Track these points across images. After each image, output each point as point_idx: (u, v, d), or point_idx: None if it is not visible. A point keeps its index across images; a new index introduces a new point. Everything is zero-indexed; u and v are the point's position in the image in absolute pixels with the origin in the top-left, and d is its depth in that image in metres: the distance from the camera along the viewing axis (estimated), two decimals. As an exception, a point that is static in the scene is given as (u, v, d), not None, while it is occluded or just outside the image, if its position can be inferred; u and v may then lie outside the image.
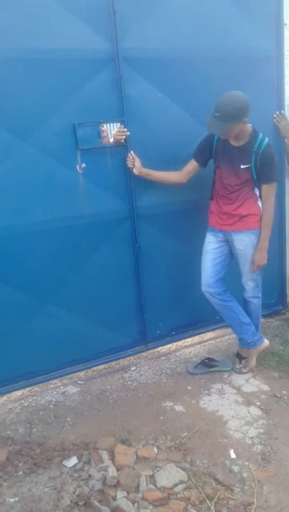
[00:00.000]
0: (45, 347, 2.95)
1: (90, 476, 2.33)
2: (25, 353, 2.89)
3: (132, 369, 3.32)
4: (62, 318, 2.95)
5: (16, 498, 2.22)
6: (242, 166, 2.79)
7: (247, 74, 3.12)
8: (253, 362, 3.21)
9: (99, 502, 2.16)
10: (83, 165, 2.76)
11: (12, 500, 2.21)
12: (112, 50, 2.71)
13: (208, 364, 3.23)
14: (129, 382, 3.17)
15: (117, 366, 3.35)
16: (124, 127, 2.82)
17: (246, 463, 2.40)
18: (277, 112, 3.38)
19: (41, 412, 2.88)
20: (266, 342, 3.22)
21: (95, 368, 3.29)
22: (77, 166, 2.75)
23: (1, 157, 2.54)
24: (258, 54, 3.18)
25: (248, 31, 3.12)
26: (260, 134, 2.75)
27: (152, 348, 3.44)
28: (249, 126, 2.75)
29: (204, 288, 3.06)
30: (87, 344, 3.10)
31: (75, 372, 3.17)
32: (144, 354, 3.46)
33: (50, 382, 3.14)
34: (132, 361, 3.41)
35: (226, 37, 3.05)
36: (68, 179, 2.75)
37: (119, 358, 3.32)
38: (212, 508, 2.12)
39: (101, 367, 3.32)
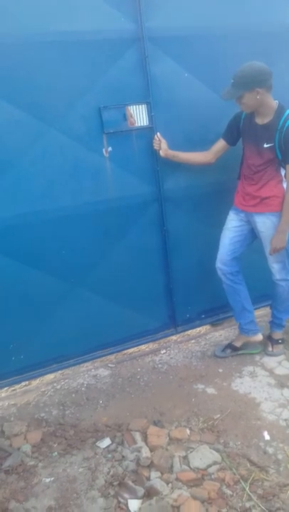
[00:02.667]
0: (76, 331, 2.97)
1: (123, 456, 2.36)
2: (57, 336, 2.92)
3: (162, 352, 3.33)
4: (92, 303, 2.96)
5: (52, 478, 2.27)
6: (265, 145, 2.70)
7: (277, 49, 3.01)
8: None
9: (133, 482, 2.19)
10: (109, 148, 2.74)
11: (48, 480, 2.26)
12: (136, 30, 2.65)
13: (235, 347, 3.21)
14: (159, 365, 3.18)
15: (147, 349, 3.37)
16: (150, 108, 2.78)
17: (281, 444, 2.38)
18: None
19: (74, 395, 2.92)
20: (259, 336, 3.20)
21: (125, 351, 3.31)
22: (104, 150, 2.73)
23: (29, 143, 2.54)
24: (288, 28, 3.07)
25: (278, 6, 3.02)
26: (287, 111, 2.64)
27: (182, 332, 3.43)
28: (275, 103, 2.66)
29: (218, 264, 3.03)
30: (117, 328, 3.11)
31: (106, 355, 3.19)
32: (174, 337, 3.46)
33: (82, 365, 3.18)
34: (162, 344, 3.41)
35: (255, 12, 2.94)
36: (95, 163, 2.72)
37: (149, 342, 3.32)
38: (247, 489, 2.12)
39: (131, 350, 3.34)
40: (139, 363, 3.22)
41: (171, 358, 3.26)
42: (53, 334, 2.90)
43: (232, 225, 3.00)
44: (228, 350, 3.23)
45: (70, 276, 2.86)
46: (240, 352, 3.21)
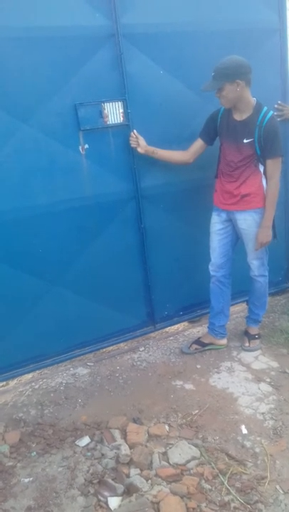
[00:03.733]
0: (54, 330, 2.95)
1: (102, 454, 2.35)
2: (34, 336, 2.90)
3: (141, 350, 3.33)
4: (70, 301, 2.95)
5: (31, 478, 2.25)
6: (245, 141, 2.73)
7: (250, 47, 3.04)
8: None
9: (113, 480, 2.18)
10: (86, 146, 2.73)
11: (27, 480, 2.24)
12: (111, 26, 2.65)
13: (203, 343, 3.25)
14: (138, 363, 3.18)
15: (126, 347, 3.37)
16: (126, 105, 2.77)
17: (258, 438, 2.41)
18: (279, 102, 3.29)
19: (52, 394, 2.90)
20: (224, 341, 3.29)
21: (104, 349, 3.30)
22: (80, 147, 2.72)
23: (2, 140, 2.51)
24: (260, 26, 3.11)
25: (250, 3, 3.05)
26: (265, 108, 2.70)
27: (160, 329, 3.44)
28: (253, 100, 2.70)
29: (212, 268, 3.08)
30: (95, 326, 3.10)
31: (84, 354, 3.18)
32: (153, 335, 3.47)
33: (60, 364, 3.16)
34: (140, 342, 3.42)
35: (228, 9, 2.98)
36: (71, 161, 2.71)
37: (127, 340, 3.33)
38: (225, 483, 2.14)
39: (110, 348, 3.33)
40: (118, 361, 3.22)
41: (150, 355, 3.26)
42: (30, 333, 2.87)
43: (217, 228, 3.03)
44: (194, 346, 3.26)
45: (46, 275, 2.83)
46: (206, 348, 3.25)
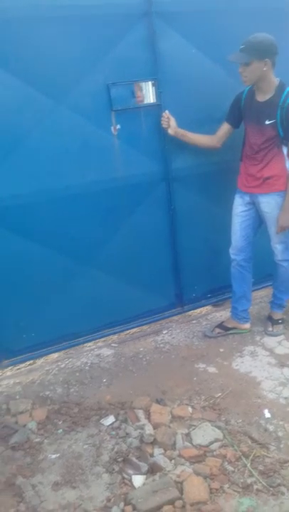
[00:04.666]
0: (83, 310, 2.99)
1: (127, 433, 2.40)
2: (63, 315, 2.94)
3: (164, 332, 3.36)
4: (100, 281, 2.98)
5: (57, 455, 2.31)
6: (267, 122, 2.67)
7: (281, 26, 2.94)
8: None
9: (137, 458, 2.23)
10: (118, 126, 2.71)
11: (53, 456, 2.30)
12: (144, 4, 2.59)
13: (226, 327, 3.26)
14: (161, 345, 3.20)
15: (149, 330, 3.39)
16: (158, 85, 2.74)
17: (281, 422, 2.43)
18: None
19: (77, 374, 2.95)
20: (247, 326, 3.28)
21: (128, 331, 3.34)
22: (112, 128, 2.70)
23: (37, 120, 2.51)
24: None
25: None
26: (288, 88, 2.63)
27: (188, 311, 3.47)
28: (276, 80, 2.64)
29: (232, 251, 3.07)
30: (124, 306, 3.13)
31: (111, 334, 3.22)
32: (176, 318, 3.48)
33: (85, 345, 3.21)
34: (163, 325, 3.44)
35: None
36: (103, 141, 2.70)
37: (156, 321, 3.36)
38: (248, 465, 2.16)
39: (133, 330, 3.36)
40: (141, 343, 3.25)
41: (173, 337, 3.29)
42: (59, 313, 2.92)
43: (239, 210, 3.00)
44: (218, 330, 3.27)
45: (78, 255, 2.86)
46: (230, 332, 3.25)
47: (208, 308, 3.63)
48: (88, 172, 2.71)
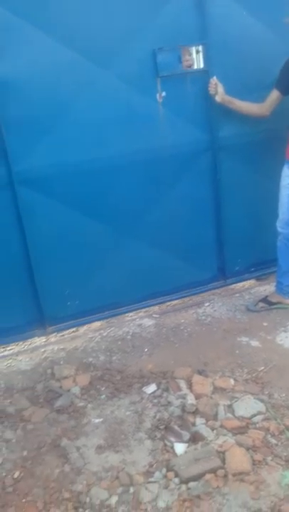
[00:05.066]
0: (125, 280, 3.01)
1: (168, 402, 2.41)
2: (106, 285, 2.97)
3: (206, 305, 3.33)
4: (142, 252, 2.98)
5: (101, 419, 2.35)
6: None
7: None
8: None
9: (179, 427, 2.24)
10: (163, 93, 2.66)
11: (97, 420, 2.35)
12: None
13: (270, 302, 3.20)
14: (203, 318, 3.19)
15: (191, 302, 3.37)
16: (206, 50, 2.65)
17: None
18: None
19: (119, 342, 2.98)
20: None
21: (169, 303, 3.34)
22: (157, 95, 2.65)
23: (82, 87, 2.50)
24: None
25: None
26: None
27: (231, 284, 3.43)
28: None
29: (279, 224, 2.98)
30: (165, 278, 3.13)
31: (153, 305, 3.24)
32: (218, 291, 3.45)
33: (126, 315, 3.24)
34: (205, 297, 3.41)
35: None
36: (148, 109, 2.67)
37: (198, 293, 3.34)
38: (292, 439, 2.14)
39: (174, 302, 3.35)
40: (182, 315, 3.24)
41: (215, 310, 3.26)
42: (105, 281, 2.95)
43: (286, 182, 2.90)
44: (261, 304, 3.21)
45: (121, 225, 2.87)
46: (273, 307, 3.19)
47: (252, 282, 3.58)
48: (132, 141, 2.69)
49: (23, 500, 1.94)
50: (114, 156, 2.67)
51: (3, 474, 2.07)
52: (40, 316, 2.92)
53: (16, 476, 2.05)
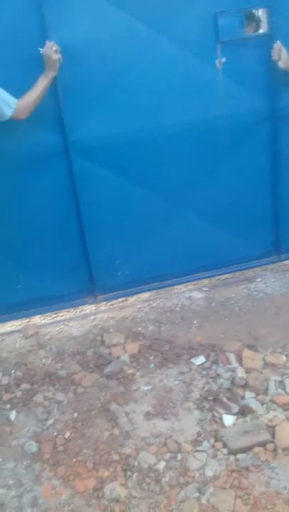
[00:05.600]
0: (175, 252, 2.99)
1: (217, 375, 2.40)
2: (156, 256, 2.97)
3: (258, 280, 3.26)
4: (194, 224, 2.94)
5: (149, 387, 2.38)
6: None
7: None
8: None
9: (227, 399, 2.23)
10: (223, 59, 2.56)
11: (145, 388, 2.38)
12: None
13: None
14: (254, 293, 3.13)
15: (242, 276, 3.31)
16: (270, 14, 2.52)
17: None
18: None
19: (168, 313, 2.98)
20: None
21: (219, 276, 3.29)
22: (217, 61, 2.56)
23: (139, 53, 2.45)
24: None
25: None
26: None
27: (285, 260, 3.34)
28: None
29: None
30: (216, 251, 3.08)
31: (202, 278, 3.20)
32: (270, 266, 3.36)
33: (175, 287, 3.22)
34: (257, 273, 3.34)
35: None
36: (207, 76, 2.59)
37: (249, 268, 3.28)
38: None
39: (225, 276, 3.30)
40: (233, 289, 3.19)
41: (267, 286, 3.19)
42: (155, 252, 2.95)
43: None
44: None
45: (174, 196, 2.84)
46: None
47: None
48: (189, 109, 2.63)
49: (74, 460, 2.00)
50: (169, 125, 2.62)
51: (55, 434, 2.14)
52: (91, 285, 2.96)
53: (66, 436, 2.12)
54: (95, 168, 2.68)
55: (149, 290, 3.11)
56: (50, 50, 2.32)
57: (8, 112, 2.30)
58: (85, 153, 2.64)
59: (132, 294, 3.11)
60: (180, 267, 3.06)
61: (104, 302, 3.09)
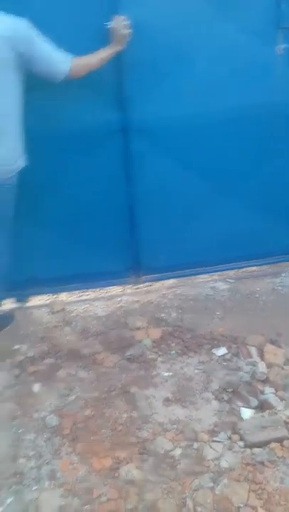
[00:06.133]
0: (214, 239, 2.96)
1: (238, 367, 2.41)
2: (197, 242, 2.95)
3: (283, 275, 3.24)
4: (236, 213, 2.92)
5: (170, 373, 2.40)
6: None
7: None
8: None
9: (247, 393, 2.24)
10: (283, 46, 2.49)
11: (166, 374, 2.40)
12: None
13: None
14: (279, 288, 3.11)
15: (269, 270, 3.29)
16: None
17: None
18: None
19: (192, 302, 2.99)
20: None
21: (245, 269, 3.28)
22: (277, 48, 2.49)
23: (201, 34, 2.41)
24: None
25: None
26: None
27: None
28: None
29: None
30: (250, 242, 3.05)
31: (230, 269, 3.21)
32: (297, 262, 3.34)
33: (199, 276, 3.22)
34: (283, 268, 3.31)
35: None
36: (265, 62, 2.53)
37: (276, 262, 3.25)
38: None
39: (252, 269, 3.28)
40: (258, 283, 3.17)
41: (293, 282, 3.17)
42: (196, 238, 2.93)
43: None
44: None
45: (222, 183, 2.81)
46: None
47: None
48: (245, 95, 2.58)
49: (92, 438, 2.04)
50: (226, 110, 2.59)
51: (75, 410, 2.18)
52: (136, 265, 2.99)
53: (86, 413, 2.16)
54: (150, 148, 2.67)
55: (172, 277, 3.13)
56: (120, 24, 2.29)
57: (66, 67, 2.17)
58: (143, 132, 2.62)
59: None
60: (215, 256, 3.05)
61: (130, 285, 3.11)
